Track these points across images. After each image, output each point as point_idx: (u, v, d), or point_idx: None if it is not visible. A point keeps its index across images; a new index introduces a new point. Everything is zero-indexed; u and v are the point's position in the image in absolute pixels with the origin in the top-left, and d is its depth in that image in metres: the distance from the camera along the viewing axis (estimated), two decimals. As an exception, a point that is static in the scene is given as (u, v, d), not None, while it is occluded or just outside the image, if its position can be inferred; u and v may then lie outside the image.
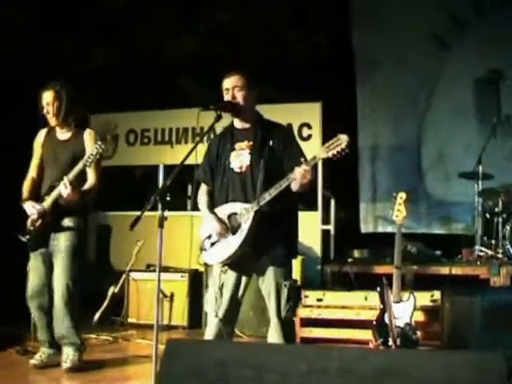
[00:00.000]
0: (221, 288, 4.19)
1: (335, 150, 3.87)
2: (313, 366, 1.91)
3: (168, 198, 3.73)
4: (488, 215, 7.48)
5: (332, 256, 8.12)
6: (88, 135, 5.29)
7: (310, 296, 5.96)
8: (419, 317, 5.45)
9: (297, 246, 4.39)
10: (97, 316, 6.98)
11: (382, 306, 5.10)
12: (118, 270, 7.80)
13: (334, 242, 8.21)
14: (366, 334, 5.34)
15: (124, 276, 7.27)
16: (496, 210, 7.27)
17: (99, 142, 5.02)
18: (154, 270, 7.47)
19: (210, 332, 4.22)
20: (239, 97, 4.23)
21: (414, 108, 8.79)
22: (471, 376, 1.84)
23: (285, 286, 4.14)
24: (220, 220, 4.18)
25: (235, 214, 4.14)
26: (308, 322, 5.90)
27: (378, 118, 8.91)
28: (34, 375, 5.06)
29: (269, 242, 4.10)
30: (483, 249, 7.32)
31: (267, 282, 4.15)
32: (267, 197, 4.01)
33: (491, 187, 7.47)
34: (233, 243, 4.10)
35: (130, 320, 7.19)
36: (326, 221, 8.11)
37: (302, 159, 3.95)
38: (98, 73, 7.85)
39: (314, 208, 7.88)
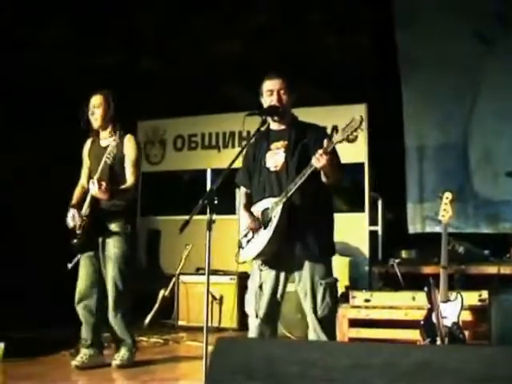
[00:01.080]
0: (260, 287, 4.24)
1: (349, 131, 3.90)
2: (356, 362, 1.97)
3: (216, 202, 3.80)
4: (536, 214, 7.44)
5: (380, 257, 8.14)
6: (127, 140, 5.42)
7: (358, 297, 5.99)
8: (467, 316, 5.44)
9: (333, 244, 4.39)
10: (148, 319, 7.13)
11: (429, 306, 5.12)
12: (167, 273, 7.94)
13: (381, 243, 8.23)
14: (413, 334, 5.36)
15: (174, 279, 7.40)
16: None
17: (116, 140, 5.25)
18: (204, 273, 7.61)
19: (251, 333, 4.27)
20: (284, 100, 4.28)
21: (460, 107, 8.72)
22: (510, 370, 1.88)
23: (320, 284, 4.16)
24: (253, 216, 4.25)
25: (267, 209, 4.19)
26: (356, 323, 5.94)
27: (424, 117, 8.88)
28: (85, 376, 5.18)
29: (302, 238, 4.13)
30: (532, 248, 7.28)
31: (303, 280, 4.18)
32: (293, 186, 4.05)
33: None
34: (264, 237, 4.16)
35: (180, 323, 7.32)
36: (373, 222, 8.13)
37: (325, 141, 3.96)
38: (144, 80, 7.98)
39: (361, 209, 7.93)
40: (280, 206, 4.10)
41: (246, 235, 4.32)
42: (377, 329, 5.83)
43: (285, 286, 4.28)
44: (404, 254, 7.86)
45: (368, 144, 7.97)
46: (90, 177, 5.48)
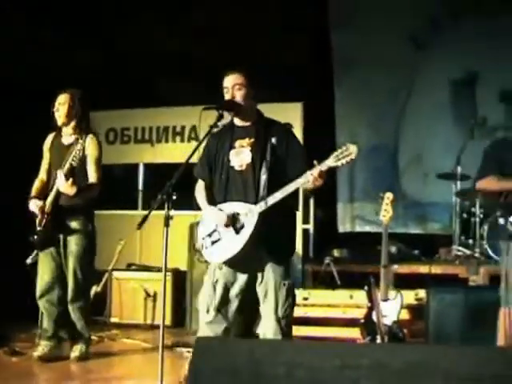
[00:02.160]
0: (215, 284, 4.19)
1: (344, 160, 3.88)
2: (345, 362, 1.95)
3: (174, 197, 3.71)
4: (465, 215, 7.61)
5: (311, 255, 8.18)
6: (90, 140, 5.44)
7: (296, 295, 5.98)
8: (404, 315, 5.52)
9: (294, 245, 4.42)
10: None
11: (369, 305, 5.17)
12: (98, 269, 7.77)
13: (313, 242, 8.27)
14: (352, 332, 5.42)
15: (106, 275, 7.25)
16: (473, 210, 7.40)
17: (84, 138, 5.33)
18: (137, 269, 7.53)
19: (201, 330, 4.21)
20: (239, 96, 4.20)
21: (392, 108, 8.89)
22: (498, 370, 1.89)
23: (283, 284, 4.15)
24: (224, 214, 4.13)
25: (237, 213, 4.12)
26: (295, 321, 5.91)
27: (356, 117, 9.02)
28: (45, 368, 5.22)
29: (269, 242, 4.09)
30: (461, 248, 7.45)
31: (266, 281, 4.15)
32: (273, 199, 4.00)
33: (469, 188, 7.60)
34: (236, 243, 4.08)
35: (112, 319, 7.18)
36: (305, 220, 8.17)
37: (315, 162, 3.92)
38: (79, 71, 7.79)
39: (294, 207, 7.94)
40: (256, 215, 4.04)
41: (210, 235, 4.22)
42: (316, 327, 5.86)
43: (243, 286, 4.22)
44: (336, 252, 7.93)
45: (304, 142, 7.97)
46: (49, 171, 5.55)
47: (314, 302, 5.99)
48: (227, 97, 4.21)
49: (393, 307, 5.10)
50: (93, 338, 6.21)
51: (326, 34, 8.94)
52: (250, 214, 4.06)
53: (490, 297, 5.39)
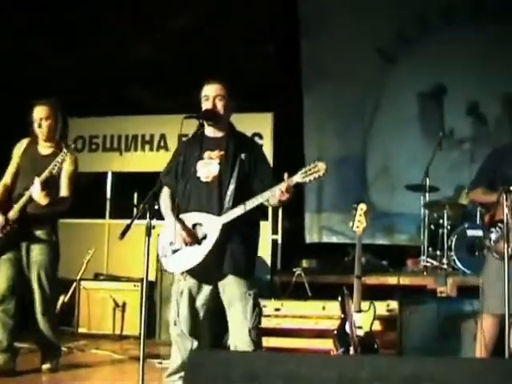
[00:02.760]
0: (179, 295, 4.17)
1: (312, 177, 3.90)
2: (343, 374, 1.94)
3: (156, 207, 3.67)
4: (433, 227, 7.68)
5: (279, 266, 8.16)
6: (68, 154, 5.22)
7: (268, 306, 5.97)
8: (375, 326, 5.53)
9: (256, 257, 4.39)
10: (47, 325, 6.83)
11: (342, 316, 5.16)
12: (63, 278, 7.67)
13: (281, 252, 8.25)
14: (325, 344, 5.39)
15: (74, 285, 7.15)
16: (441, 221, 7.46)
17: (65, 151, 5.10)
18: (105, 279, 7.45)
19: (173, 342, 4.21)
20: (220, 106, 4.19)
21: (360, 120, 8.95)
22: (497, 381, 1.90)
23: (249, 295, 4.13)
24: (188, 228, 4.11)
25: (200, 224, 4.10)
26: (267, 332, 5.90)
27: (324, 128, 9.04)
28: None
29: (233, 253, 4.08)
30: (429, 259, 7.50)
31: (231, 292, 4.13)
32: (238, 212, 3.99)
33: (437, 199, 7.68)
34: (198, 253, 4.06)
35: (80, 330, 7.06)
36: (274, 231, 8.16)
37: (286, 175, 3.92)
38: (47, 77, 7.70)
39: (264, 218, 7.92)
40: (219, 226, 4.02)
41: (171, 243, 4.17)
42: (288, 338, 5.83)
43: (208, 296, 4.21)
44: (305, 263, 7.94)
45: (273, 152, 7.98)
46: (15, 176, 5.37)
47: (287, 312, 5.95)
48: (207, 105, 4.19)
49: (366, 318, 5.10)
50: (62, 348, 6.12)
51: (296, 44, 8.94)
52: (213, 224, 4.04)
53: (461, 308, 5.46)
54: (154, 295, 6.92)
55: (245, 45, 8.60)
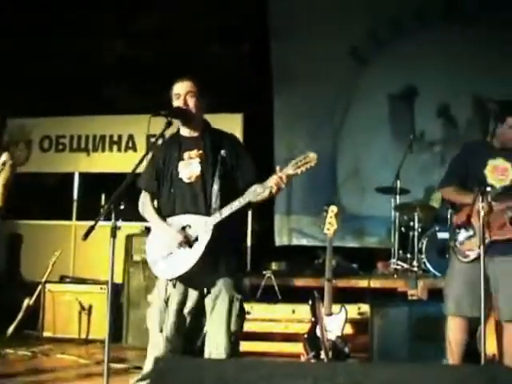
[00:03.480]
0: (166, 301, 4.02)
1: (304, 168, 3.83)
2: (319, 381, 1.86)
3: (122, 207, 3.54)
4: (403, 229, 7.65)
5: (249, 268, 8.07)
6: (6, 159, 5.20)
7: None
8: (347, 329, 5.47)
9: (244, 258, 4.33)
10: (10, 329, 6.66)
11: (313, 319, 5.09)
12: (28, 280, 7.53)
13: (250, 255, 8.16)
14: (295, 348, 5.33)
15: (39, 287, 6.98)
16: (411, 224, 7.43)
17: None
18: (72, 282, 7.30)
19: (153, 350, 4.01)
20: (191, 104, 4.07)
21: (330, 121, 8.89)
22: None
23: (237, 299, 4.03)
24: (178, 232, 3.98)
25: (189, 226, 3.98)
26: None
27: (295, 129, 8.95)
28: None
29: (222, 255, 3.98)
30: (399, 262, 7.47)
31: (219, 296, 4.01)
32: (229, 210, 3.88)
33: (407, 202, 7.65)
34: (190, 257, 3.92)
35: (45, 334, 6.90)
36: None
37: (278, 168, 3.84)
38: (14, 76, 7.56)
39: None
40: (211, 227, 3.90)
41: (160, 250, 4.03)
42: (258, 342, 5.75)
43: (195, 302, 4.08)
44: (274, 265, 7.84)
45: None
46: None
47: (256, 316, 5.88)
48: (178, 103, 4.07)
49: (337, 322, 5.04)
50: (26, 353, 6.00)
51: (266, 44, 8.88)
52: (204, 226, 3.93)
53: (433, 310, 5.42)
54: (121, 298, 6.79)
55: (218, 45, 8.51)
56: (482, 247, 3.93)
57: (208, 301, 4.04)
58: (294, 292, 6.71)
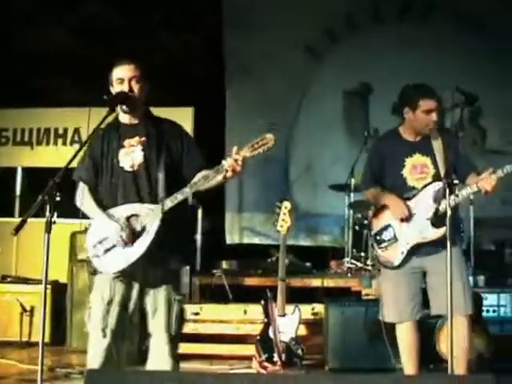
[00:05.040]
0: (110, 302, 3.76)
1: (261, 149, 3.61)
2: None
3: (58, 199, 3.23)
4: (357, 227, 7.53)
5: (198, 267, 7.87)
6: None
7: (186, 310, 5.67)
8: (301, 330, 5.31)
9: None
10: None
11: (266, 320, 4.92)
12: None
13: (200, 253, 7.96)
14: (247, 350, 5.17)
15: (-23, 287, 6.70)
16: (365, 222, 7.31)
17: None
18: (12, 282, 7.00)
19: (96, 355, 3.70)
20: (137, 89, 3.79)
21: (284, 117, 8.76)
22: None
23: (174, 300, 3.79)
24: (122, 221, 3.71)
25: (136, 215, 3.71)
26: (184, 338, 5.58)
27: (247, 125, 8.75)
28: None
29: (169, 247, 3.71)
30: (353, 261, 7.35)
31: (157, 296, 3.77)
32: (181, 195, 3.61)
33: (361, 199, 7.52)
34: (137, 248, 3.66)
35: (-17, 337, 6.62)
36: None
37: (234, 149, 3.61)
38: None
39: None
40: (159, 216, 3.64)
41: (101, 242, 3.74)
42: (207, 344, 5.56)
43: (137, 301, 3.80)
44: (225, 264, 7.68)
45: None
46: None
47: (206, 317, 5.71)
48: (121, 89, 3.78)
49: (290, 323, 4.88)
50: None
51: (219, 37, 8.70)
52: (151, 213, 3.66)
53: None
54: (65, 298, 6.51)
55: (168, 36, 8.31)
56: (448, 242, 3.69)
57: (148, 301, 3.79)
58: (245, 292, 6.57)
